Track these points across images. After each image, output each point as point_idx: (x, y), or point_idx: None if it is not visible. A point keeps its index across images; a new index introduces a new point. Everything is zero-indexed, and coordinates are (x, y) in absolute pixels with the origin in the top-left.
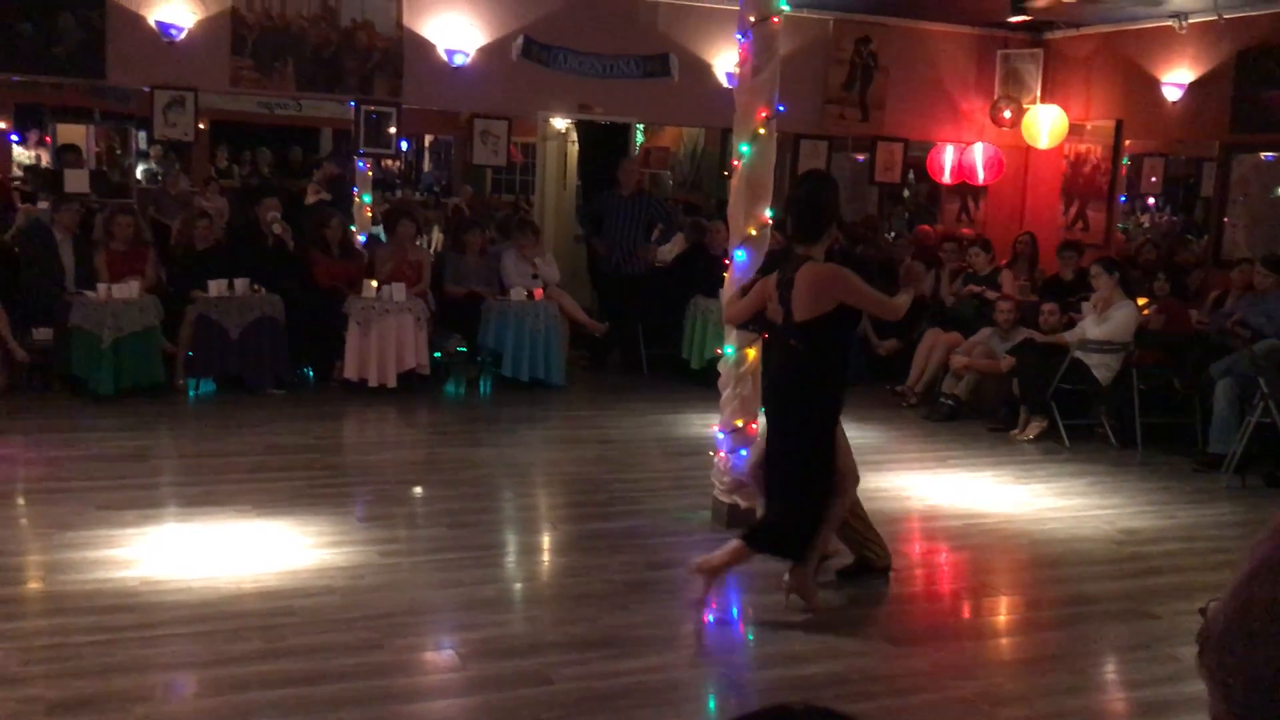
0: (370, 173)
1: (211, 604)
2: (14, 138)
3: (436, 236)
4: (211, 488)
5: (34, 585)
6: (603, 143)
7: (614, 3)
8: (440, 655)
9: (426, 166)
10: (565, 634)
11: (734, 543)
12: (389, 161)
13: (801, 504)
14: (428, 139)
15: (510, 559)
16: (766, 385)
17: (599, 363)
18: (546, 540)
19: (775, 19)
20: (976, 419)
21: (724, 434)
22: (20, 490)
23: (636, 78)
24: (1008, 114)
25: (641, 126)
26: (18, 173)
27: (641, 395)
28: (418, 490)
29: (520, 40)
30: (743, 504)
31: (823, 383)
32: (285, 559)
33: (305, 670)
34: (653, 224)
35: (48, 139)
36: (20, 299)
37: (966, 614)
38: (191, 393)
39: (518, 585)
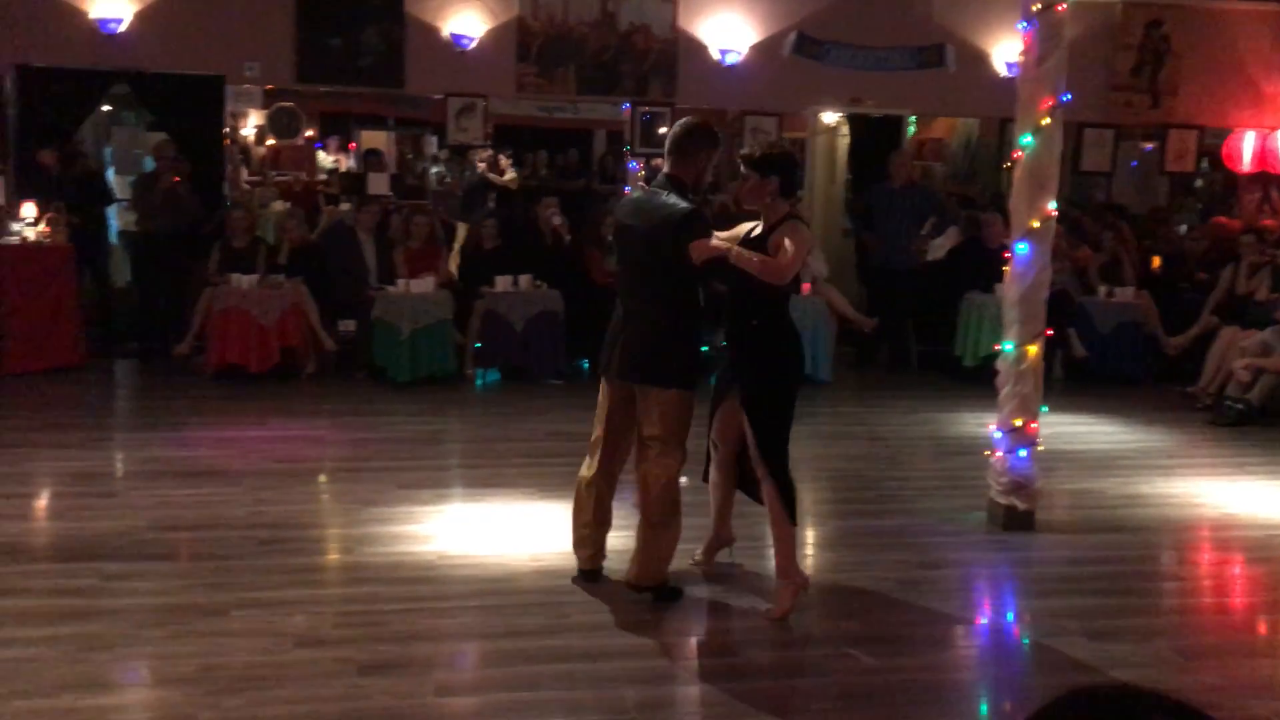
0: (642, 172)
1: (500, 579)
2: (318, 144)
3: None
4: (498, 470)
5: (344, 556)
6: (874, 135)
7: None
8: (713, 641)
9: None
10: (836, 628)
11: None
12: (658, 160)
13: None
14: None
15: None
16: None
17: (866, 359)
18: (814, 535)
19: (1061, 6)
20: (1278, 423)
21: (1001, 433)
22: (328, 469)
23: (910, 69)
24: None
25: (914, 118)
26: (322, 176)
27: (910, 392)
28: (683, 480)
29: (793, 36)
30: (1020, 506)
31: None
32: (566, 540)
33: (587, 646)
34: (924, 216)
35: (352, 145)
36: (328, 293)
37: (1264, 630)
38: (479, 381)
39: None
